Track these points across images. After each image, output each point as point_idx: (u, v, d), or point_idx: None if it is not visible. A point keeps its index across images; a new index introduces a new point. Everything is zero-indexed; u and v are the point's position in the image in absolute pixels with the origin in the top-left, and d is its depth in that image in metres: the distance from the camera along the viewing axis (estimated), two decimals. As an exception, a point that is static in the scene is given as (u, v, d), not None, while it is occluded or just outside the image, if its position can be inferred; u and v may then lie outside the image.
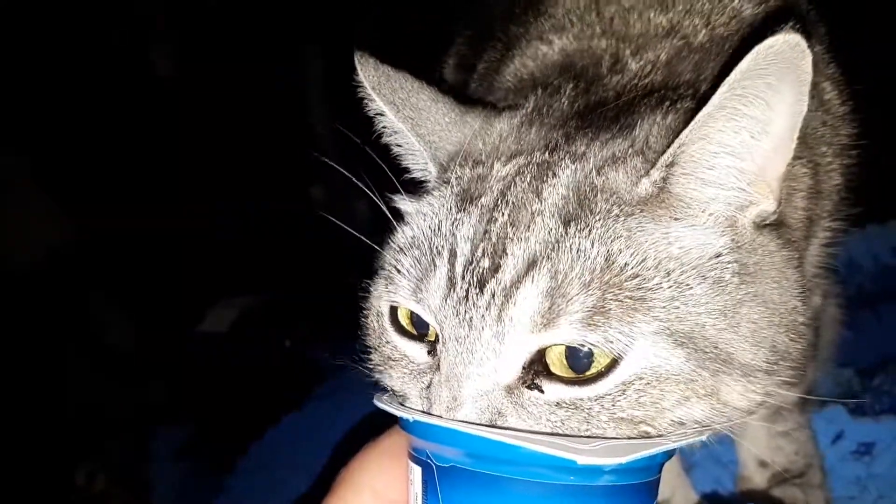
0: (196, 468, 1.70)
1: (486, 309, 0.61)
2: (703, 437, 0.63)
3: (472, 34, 1.11)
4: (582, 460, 0.54)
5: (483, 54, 0.97)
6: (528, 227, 0.62)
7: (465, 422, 0.60)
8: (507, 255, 0.62)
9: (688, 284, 0.60)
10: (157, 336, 2.30)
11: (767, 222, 0.64)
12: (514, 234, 0.62)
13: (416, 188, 0.76)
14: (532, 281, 0.60)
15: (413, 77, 0.75)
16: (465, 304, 0.62)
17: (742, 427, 1.02)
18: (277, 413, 1.51)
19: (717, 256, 0.62)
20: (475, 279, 0.62)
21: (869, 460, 1.08)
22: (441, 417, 0.62)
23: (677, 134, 0.61)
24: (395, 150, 0.76)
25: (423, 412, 0.64)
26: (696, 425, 0.61)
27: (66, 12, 2.41)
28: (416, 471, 0.61)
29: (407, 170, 0.77)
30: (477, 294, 0.61)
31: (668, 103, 0.69)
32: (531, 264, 0.60)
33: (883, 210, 1.59)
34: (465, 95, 0.87)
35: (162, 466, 1.77)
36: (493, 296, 0.61)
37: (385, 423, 0.69)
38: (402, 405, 0.67)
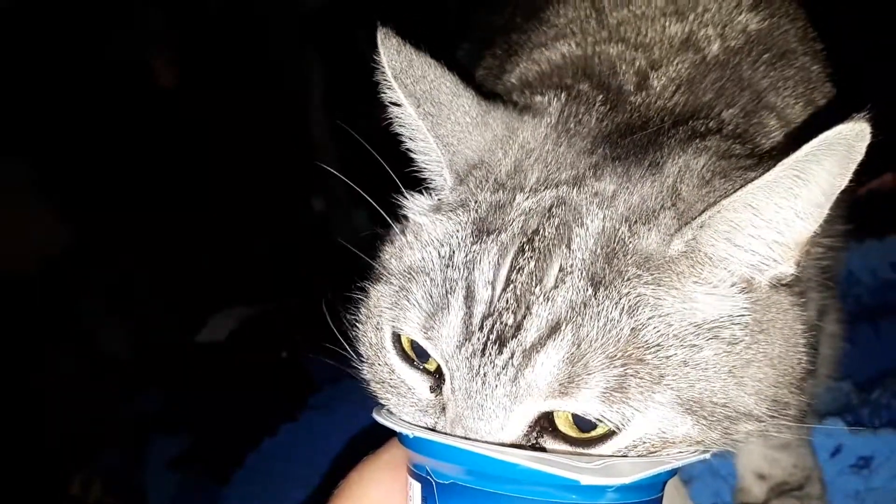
0: (192, 478, 1.69)
1: (503, 368, 0.59)
2: (706, 456, 0.64)
3: (469, 47, 1.12)
4: (585, 480, 0.53)
5: (481, 62, 0.96)
6: (556, 285, 0.60)
7: (466, 438, 0.60)
8: (531, 314, 0.59)
9: (700, 346, 0.60)
10: (155, 345, 2.30)
11: (785, 282, 0.64)
12: (540, 291, 0.60)
13: (421, 181, 0.73)
14: (554, 347, 0.58)
15: (436, 62, 0.70)
16: (481, 359, 0.59)
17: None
18: (274, 423, 1.50)
19: (731, 316, 0.61)
20: (494, 335, 0.59)
21: (867, 474, 1.08)
22: (441, 433, 0.62)
23: (713, 190, 0.61)
24: (407, 143, 0.71)
25: (423, 428, 0.63)
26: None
27: (65, 18, 2.41)
28: (416, 486, 0.60)
29: (412, 162, 0.72)
30: (495, 352, 0.59)
31: (697, 140, 0.68)
32: (555, 327, 0.58)
33: (881, 226, 1.60)
34: (482, 86, 0.82)
35: (157, 476, 1.76)
36: (512, 356, 0.59)
37: (384, 434, 0.68)
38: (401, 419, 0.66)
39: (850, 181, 0.88)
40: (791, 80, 0.81)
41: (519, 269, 0.61)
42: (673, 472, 0.61)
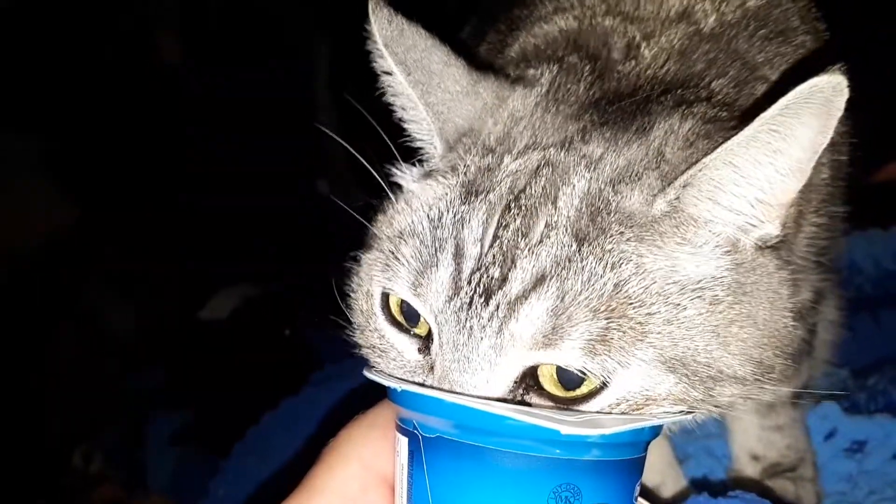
0: (192, 452, 1.70)
1: (489, 320, 0.60)
2: (689, 417, 0.64)
3: (475, 24, 1.12)
4: (566, 430, 0.54)
5: (486, 37, 0.97)
6: (541, 240, 0.61)
7: (451, 391, 0.60)
8: (515, 267, 0.60)
9: (683, 306, 0.60)
10: (158, 322, 2.31)
11: (770, 244, 0.65)
12: (525, 245, 0.61)
13: (414, 153, 0.74)
14: (538, 298, 0.59)
15: (427, 33, 0.71)
16: (468, 312, 0.61)
17: (734, 420, 1.03)
18: (275, 399, 1.51)
19: (715, 277, 0.62)
20: (481, 288, 0.61)
21: (861, 457, 1.08)
22: (427, 387, 0.63)
23: (696, 151, 0.61)
24: (399, 113, 0.72)
25: (410, 381, 0.64)
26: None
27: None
28: (403, 441, 0.61)
29: (405, 133, 0.73)
30: (482, 304, 0.60)
31: (684, 107, 0.68)
32: (539, 280, 0.60)
33: (886, 215, 1.59)
34: (475, 57, 0.83)
35: (158, 450, 1.78)
36: (497, 308, 0.60)
37: (377, 399, 0.69)
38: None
39: (851, 163, 0.88)
40: (788, 56, 0.81)
41: (505, 225, 0.62)
42: (656, 433, 0.61)
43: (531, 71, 0.76)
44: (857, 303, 1.37)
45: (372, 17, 0.68)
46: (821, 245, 0.85)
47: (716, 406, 0.64)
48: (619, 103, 0.71)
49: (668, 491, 1.04)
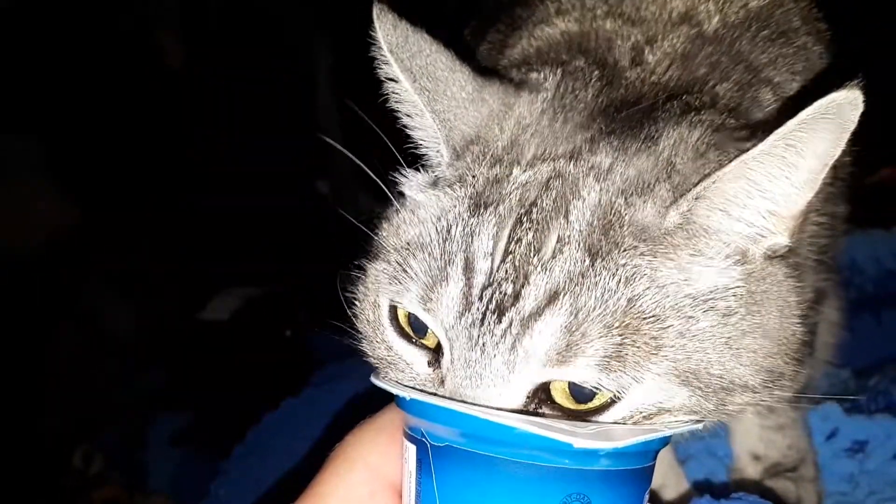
0: (193, 453, 1.71)
1: (502, 337, 0.59)
2: (700, 427, 0.64)
3: (476, 24, 1.12)
4: (578, 443, 0.54)
5: (486, 36, 0.96)
6: (554, 256, 0.60)
7: (460, 401, 0.60)
8: (529, 283, 0.60)
9: (696, 318, 0.60)
10: (159, 323, 2.31)
11: (779, 254, 0.65)
12: (538, 261, 0.60)
13: (419, 158, 0.73)
14: (552, 315, 0.59)
15: (432, 39, 0.70)
16: (480, 329, 0.60)
17: (736, 420, 1.03)
18: (276, 400, 1.51)
19: (727, 287, 0.62)
20: (494, 304, 0.60)
21: (862, 458, 1.08)
22: (436, 396, 0.62)
23: (707, 162, 0.62)
24: (404, 119, 0.71)
25: (419, 390, 0.64)
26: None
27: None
28: (411, 449, 0.61)
29: (410, 138, 0.72)
30: (494, 321, 0.60)
31: (692, 114, 0.68)
32: (553, 296, 0.59)
33: (888, 216, 1.60)
34: (478, 61, 0.83)
35: (159, 451, 1.78)
36: (510, 325, 0.59)
37: (381, 403, 0.69)
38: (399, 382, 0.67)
39: (853, 163, 0.89)
40: (791, 57, 0.81)
41: (517, 240, 0.61)
42: (665, 442, 0.62)
43: (533, 74, 0.76)
44: (858, 303, 1.38)
45: (377, 23, 0.68)
46: (821, 244, 0.85)
47: (726, 414, 0.64)
48: (626, 111, 0.70)
49: (670, 493, 1.04)
